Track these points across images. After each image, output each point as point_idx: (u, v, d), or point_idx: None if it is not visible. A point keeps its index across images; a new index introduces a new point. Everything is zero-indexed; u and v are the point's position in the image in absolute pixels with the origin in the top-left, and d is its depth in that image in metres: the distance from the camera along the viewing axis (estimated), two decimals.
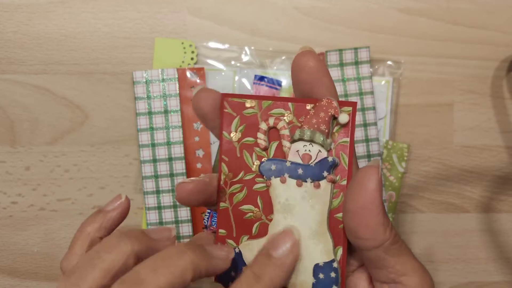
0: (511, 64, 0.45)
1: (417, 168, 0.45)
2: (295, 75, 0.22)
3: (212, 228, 0.43)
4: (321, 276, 0.23)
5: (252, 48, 0.44)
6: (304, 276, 0.23)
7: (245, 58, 0.44)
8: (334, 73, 0.43)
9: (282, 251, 0.21)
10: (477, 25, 0.45)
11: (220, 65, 0.44)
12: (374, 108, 0.43)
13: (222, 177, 0.24)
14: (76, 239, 0.23)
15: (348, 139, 0.22)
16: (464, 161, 0.45)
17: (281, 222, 0.23)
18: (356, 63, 0.43)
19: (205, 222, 0.43)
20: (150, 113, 0.43)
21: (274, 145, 0.23)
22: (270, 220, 0.23)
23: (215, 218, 0.43)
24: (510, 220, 0.45)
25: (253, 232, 0.24)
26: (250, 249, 0.24)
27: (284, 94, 0.44)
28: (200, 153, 0.44)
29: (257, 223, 0.24)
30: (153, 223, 0.42)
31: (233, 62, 0.44)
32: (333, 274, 0.23)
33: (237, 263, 0.24)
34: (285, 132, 0.23)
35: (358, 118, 0.43)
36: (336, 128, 0.22)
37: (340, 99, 0.22)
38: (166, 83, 0.43)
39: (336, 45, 0.44)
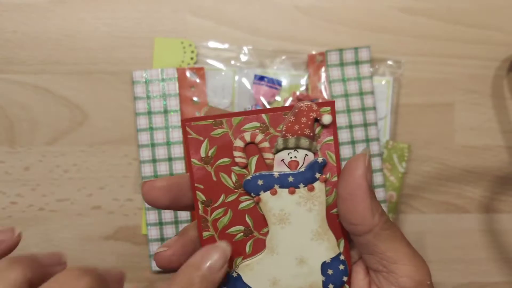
0: None
1: (417, 168, 0.45)
2: None
3: None
4: (330, 272, 0.23)
5: (252, 48, 0.44)
6: (313, 277, 0.24)
7: (244, 58, 0.44)
8: (335, 72, 0.43)
9: (211, 263, 0.21)
10: (478, 25, 0.45)
11: (220, 65, 0.44)
12: (374, 108, 0.43)
13: (200, 206, 0.23)
14: None
15: (332, 138, 0.23)
16: (465, 161, 0.45)
17: (279, 233, 0.23)
18: (357, 62, 0.43)
19: None
20: (149, 113, 0.43)
21: (253, 160, 0.23)
22: (264, 234, 0.23)
23: None
24: (511, 221, 0.45)
25: (247, 251, 0.23)
26: (250, 268, 0.23)
27: (284, 93, 0.44)
28: None
29: (250, 241, 0.23)
30: (153, 223, 0.42)
31: (233, 62, 0.44)
32: (341, 267, 0.24)
33: (237, 287, 0.23)
34: (265, 144, 0.22)
35: (359, 118, 0.43)
36: (318, 129, 0.23)
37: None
38: (165, 82, 0.43)
39: (336, 44, 0.44)
